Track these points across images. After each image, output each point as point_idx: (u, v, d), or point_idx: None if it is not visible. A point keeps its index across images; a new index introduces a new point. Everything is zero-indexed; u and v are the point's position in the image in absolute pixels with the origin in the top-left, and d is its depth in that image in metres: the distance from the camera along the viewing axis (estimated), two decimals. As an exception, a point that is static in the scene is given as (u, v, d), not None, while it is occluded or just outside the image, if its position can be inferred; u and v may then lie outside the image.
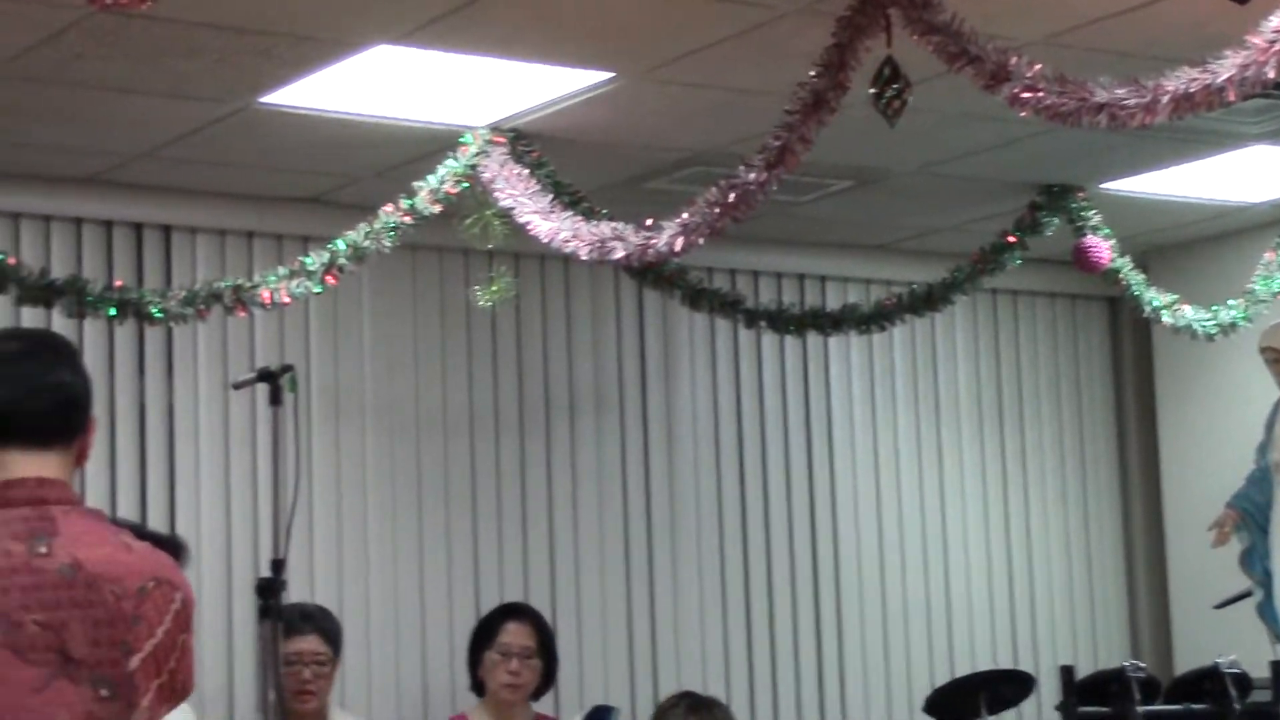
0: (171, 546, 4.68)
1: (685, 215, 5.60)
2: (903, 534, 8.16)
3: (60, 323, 6.36)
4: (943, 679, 7.58)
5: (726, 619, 7.73)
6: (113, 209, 6.79)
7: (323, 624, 6.00)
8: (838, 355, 8.11)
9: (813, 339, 7.76)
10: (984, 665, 7.78)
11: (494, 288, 6.53)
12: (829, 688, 7.90)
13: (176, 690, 3.26)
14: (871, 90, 4.76)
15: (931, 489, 8.26)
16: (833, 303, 7.72)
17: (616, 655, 7.50)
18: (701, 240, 5.63)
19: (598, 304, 7.68)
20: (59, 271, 6.23)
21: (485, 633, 6.30)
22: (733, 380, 7.90)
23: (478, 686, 6.28)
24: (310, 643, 5.89)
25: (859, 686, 7.96)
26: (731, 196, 5.35)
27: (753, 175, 5.25)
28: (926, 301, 7.21)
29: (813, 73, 4.91)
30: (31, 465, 3.17)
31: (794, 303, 7.50)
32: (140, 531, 3.85)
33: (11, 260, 5.93)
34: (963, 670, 7.74)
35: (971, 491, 8.34)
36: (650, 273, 6.72)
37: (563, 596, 7.42)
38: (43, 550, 3.10)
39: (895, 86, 4.71)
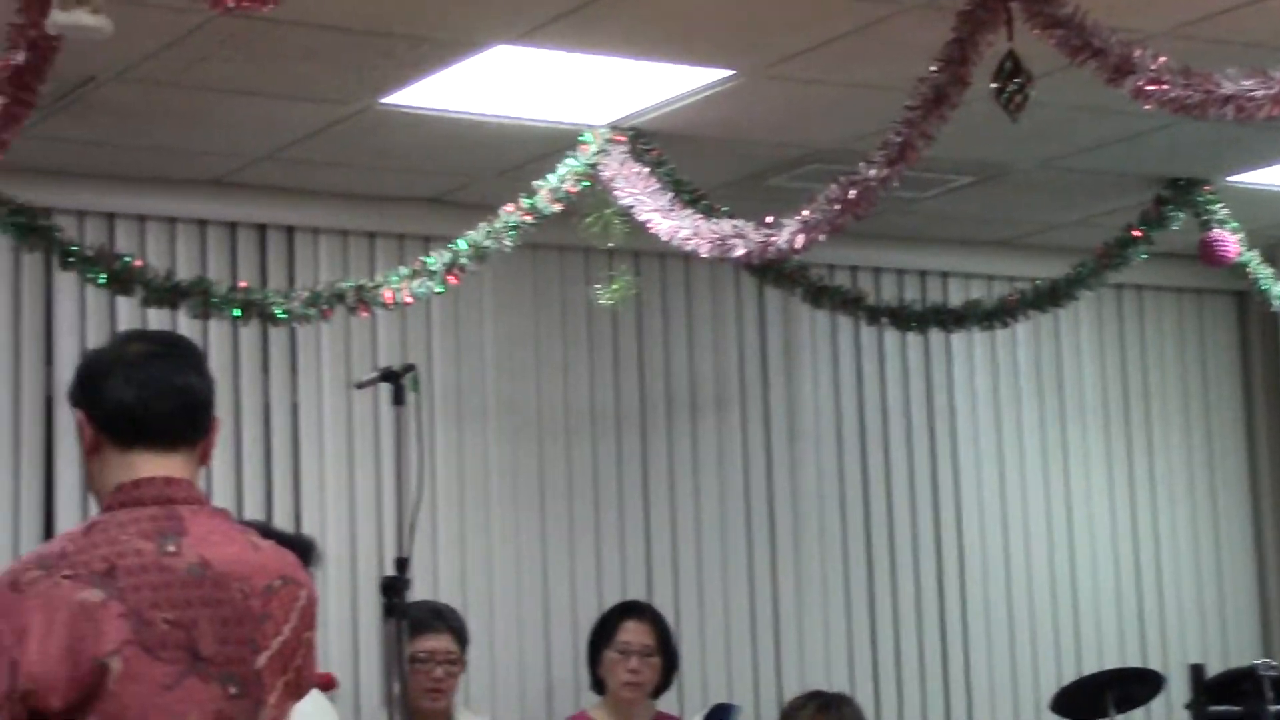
0: (303, 546, 4.73)
1: (806, 212, 5.58)
2: (1028, 531, 8.09)
3: (186, 324, 6.42)
4: (1070, 677, 7.51)
5: (850, 617, 7.69)
6: (237, 211, 6.85)
7: (453, 623, 6.03)
8: (960, 352, 8.05)
9: (935, 336, 7.71)
10: (1111, 663, 7.71)
11: (614, 286, 6.53)
12: (954, 686, 7.84)
13: (301, 688, 3.29)
14: (993, 85, 4.72)
15: (1057, 486, 8.18)
16: (955, 299, 7.66)
17: (739, 653, 7.48)
18: (822, 237, 5.61)
19: (718, 302, 7.66)
20: (184, 273, 6.29)
21: (604, 631, 6.30)
22: (855, 378, 7.87)
23: (598, 685, 6.29)
24: (443, 641, 5.92)
25: (985, 685, 7.90)
26: (852, 193, 5.33)
27: (873, 172, 5.22)
28: (1050, 297, 7.15)
29: (933, 68, 4.87)
30: (158, 466, 3.21)
31: (916, 299, 7.46)
32: (268, 531, 3.88)
33: (138, 263, 6.00)
34: (1090, 668, 7.66)
35: (1097, 488, 8.26)
36: (771, 270, 6.70)
37: (685, 594, 7.41)
38: (171, 549, 3.13)
39: (1017, 81, 4.66)
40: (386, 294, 6.23)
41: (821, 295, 6.91)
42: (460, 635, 6.01)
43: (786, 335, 7.76)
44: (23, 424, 6.52)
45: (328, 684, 5.21)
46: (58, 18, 3.81)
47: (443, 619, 5.98)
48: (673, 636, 6.38)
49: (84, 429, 3.25)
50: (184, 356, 3.29)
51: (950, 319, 7.22)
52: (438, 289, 6.27)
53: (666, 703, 6.57)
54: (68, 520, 6.36)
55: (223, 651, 3.13)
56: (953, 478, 7.95)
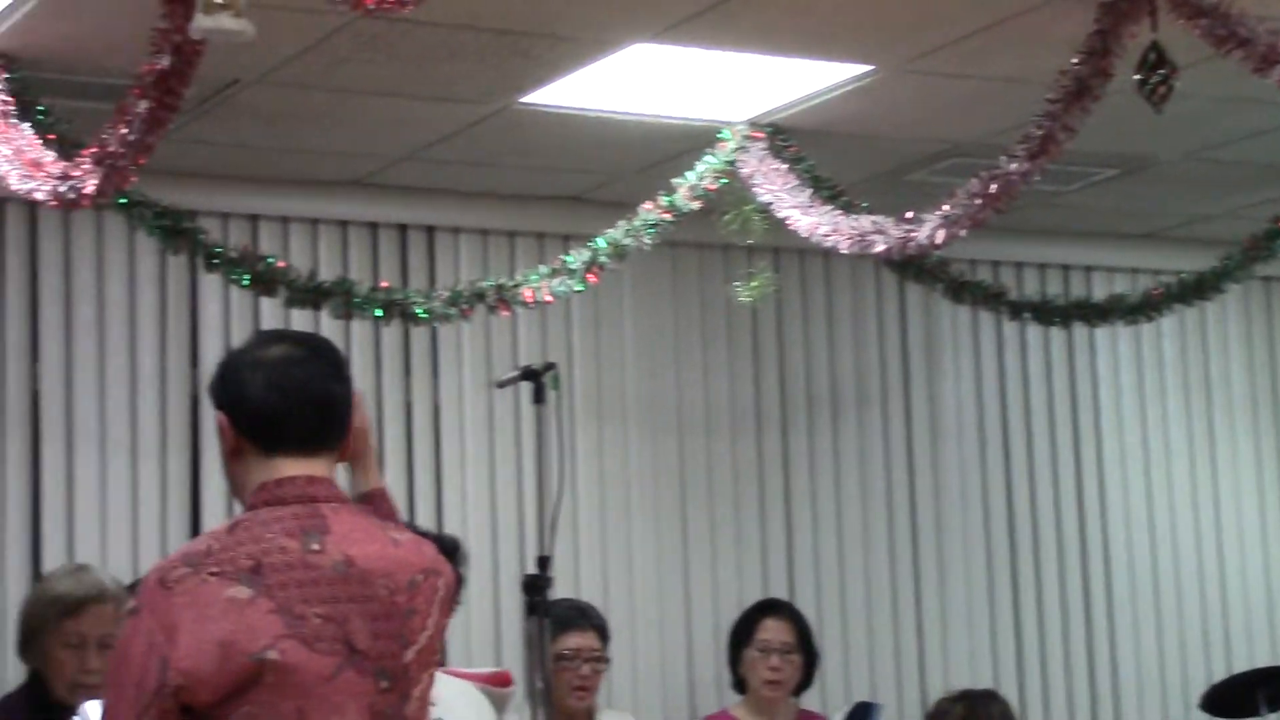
0: (447, 547, 4.75)
1: (946, 207, 5.55)
2: (1174, 527, 7.99)
3: (328, 324, 6.48)
4: (1219, 675, 7.41)
5: (994, 614, 7.63)
6: (378, 211, 6.91)
7: (597, 620, 6.05)
8: (1104, 347, 7.96)
9: (1079, 331, 7.63)
10: (1262, 661, 7.59)
11: (754, 283, 6.51)
12: (1101, 684, 7.75)
13: (434, 674, 3.32)
14: (1136, 76, 4.66)
15: (1204, 481, 8.07)
16: (1099, 293, 7.58)
17: (882, 651, 7.44)
18: (963, 232, 5.56)
19: (859, 298, 7.63)
20: (327, 274, 6.34)
21: (744, 630, 6.29)
22: (997, 374, 7.80)
23: (739, 684, 6.27)
24: (588, 638, 5.93)
25: (1132, 683, 7.80)
26: (993, 188, 5.29)
27: (1015, 165, 5.18)
28: (1196, 290, 7.04)
29: (1075, 60, 4.83)
30: (300, 468, 3.24)
31: (1059, 294, 7.38)
32: (414, 532, 3.90)
33: (281, 263, 6.05)
34: (1240, 666, 7.56)
35: (1246, 483, 8.14)
36: (912, 266, 6.65)
37: (827, 593, 7.38)
38: (315, 547, 3.16)
39: (1161, 72, 4.61)
40: (526, 293, 6.25)
41: (963, 291, 6.85)
42: (603, 633, 6.02)
43: (928, 331, 7.71)
44: (169, 424, 6.60)
45: (504, 682, 5.23)
46: (201, 22, 3.86)
47: (586, 616, 5.99)
48: (813, 634, 6.36)
49: (225, 432, 3.28)
50: (327, 362, 3.31)
51: (1094, 313, 7.14)
52: (577, 287, 6.28)
53: (809, 700, 6.54)
54: (214, 519, 6.44)
55: (375, 646, 3.16)
56: (1097, 474, 7.86)
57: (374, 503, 3.48)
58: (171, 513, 6.56)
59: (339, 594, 3.14)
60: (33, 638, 4.44)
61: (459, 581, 4.85)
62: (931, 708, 5.90)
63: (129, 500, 6.52)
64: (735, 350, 7.42)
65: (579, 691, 5.88)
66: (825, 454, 7.49)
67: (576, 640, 5.89)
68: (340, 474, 3.33)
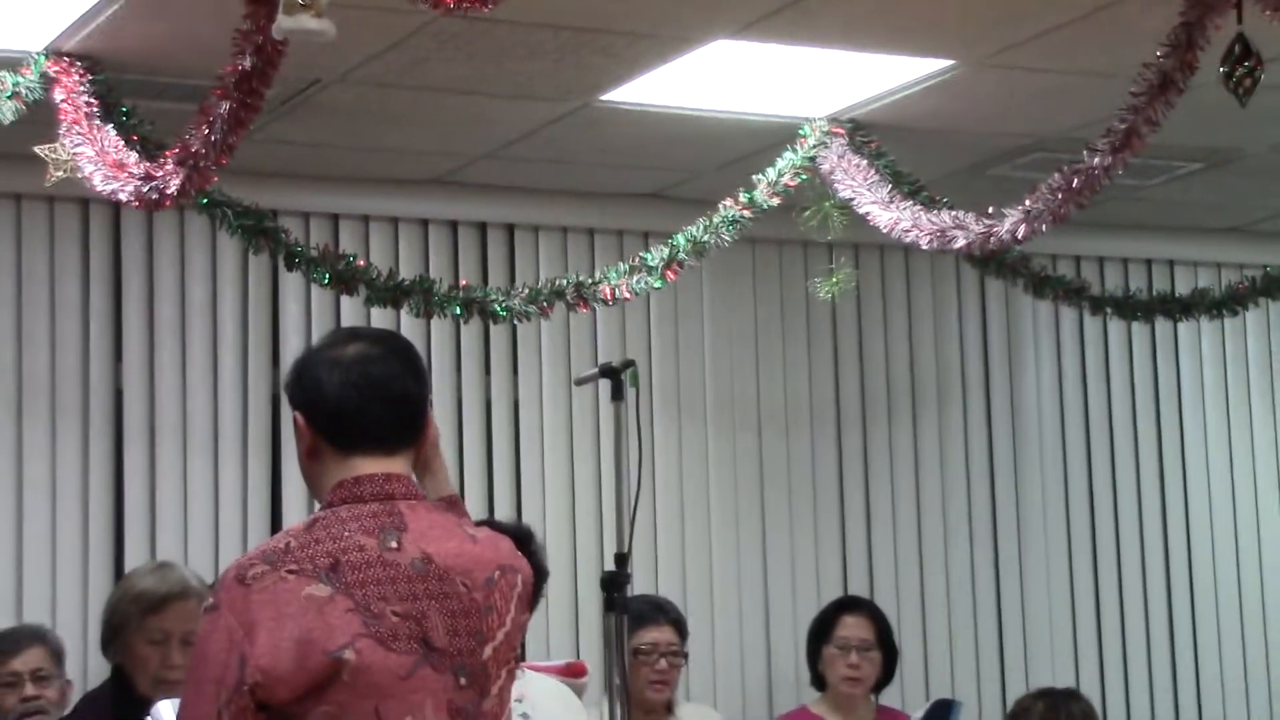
0: (522, 535, 4.76)
1: (1028, 202, 5.50)
2: (1259, 525, 7.91)
3: (408, 322, 6.50)
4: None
5: (1075, 612, 7.58)
6: (458, 209, 6.92)
7: (674, 615, 6.05)
8: (1188, 342, 7.90)
9: (1161, 325, 7.57)
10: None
11: (834, 280, 6.48)
12: (1184, 682, 7.69)
13: (514, 671, 3.32)
14: (1222, 69, 4.60)
15: (1289, 477, 7.99)
16: (1182, 288, 7.51)
17: (962, 649, 7.40)
18: (1045, 227, 5.52)
19: (939, 294, 7.59)
20: (406, 272, 6.35)
21: (823, 627, 6.27)
22: (1078, 369, 7.75)
23: (818, 681, 6.26)
24: (665, 633, 5.93)
25: (1215, 682, 7.73)
26: (1075, 182, 5.24)
27: (1097, 160, 5.13)
28: (1281, 284, 6.97)
29: (1159, 53, 4.78)
30: (377, 467, 3.25)
31: (1141, 288, 7.31)
32: (493, 526, 3.90)
33: (361, 262, 6.07)
34: (1326, 667, 7.49)
35: (1331, 480, 8.05)
36: (993, 261, 6.61)
37: (906, 589, 7.35)
38: (393, 545, 3.17)
39: (1247, 64, 4.55)
40: (605, 290, 6.24)
41: (1044, 286, 6.80)
42: (681, 627, 6.02)
43: (1009, 327, 7.66)
44: (250, 423, 6.64)
45: (579, 673, 5.24)
46: (283, 23, 3.86)
47: (664, 611, 5.99)
48: (892, 631, 6.33)
49: (303, 431, 3.29)
50: (403, 361, 3.32)
51: (1177, 308, 7.07)
52: (656, 284, 6.27)
53: (888, 697, 6.52)
54: (294, 517, 6.46)
55: (454, 643, 3.17)
56: (1180, 471, 7.80)
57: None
58: (252, 511, 6.60)
59: (417, 591, 3.15)
60: (116, 634, 4.47)
61: (539, 575, 4.87)
62: (1013, 706, 5.86)
63: (210, 498, 6.56)
64: (815, 346, 7.40)
65: (656, 685, 5.88)
66: (905, 450, 7.46)
67: (654, 635, 5.88)
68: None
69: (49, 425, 6.43)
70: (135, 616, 4.44)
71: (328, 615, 3.07)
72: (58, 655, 5.57)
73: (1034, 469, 7.60)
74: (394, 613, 3.12)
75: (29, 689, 5.42)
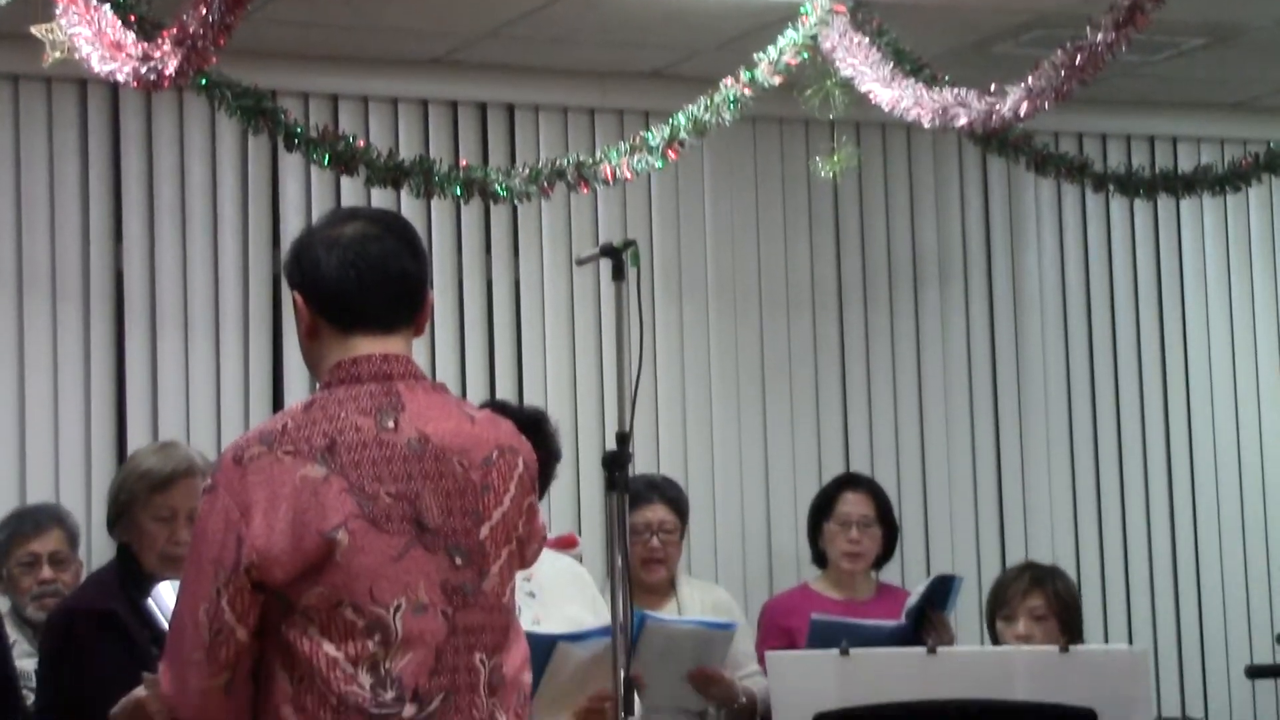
0: (533, 420, 4.77)
1: (1030, 79, 5.47)
2: (1259, 400, 7.91)
3: (408, 203, 6.50)
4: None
5: (1075, 489, 7.60)
6: (458, 89, 6.89)
7: (669, 493, 6.04)
8: (1190, 219, 7.87)
9: (1164, 202, 7.54)
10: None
11: (836, 158, 6.46)
12: (1183, 560, 7.72)
13: (525, 557, 3.32)
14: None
15: (1291, 354, 7.98)
16: (1185, 164, 7.48)
17: (962, 526, 7.44)
18: (1047, 105, 5.49)
19: (941, 172, 7.57)
20: (406, 152, 6.33)
21: (824, 504, 6.28)
22: (1080, 247, 7.73)
23: (819, 558, 6.28)
24: (658, 512, 5.94)
25: (1214, 558, 7.77)
26: (1078, 59, 5.21)
27: (1100, 36, 5.10)
28: (1285, 161, 6.94)
29: (1162, -74, 4.74)
30: (376, 346, 3.25)
31: (1144, 165, 7.29)
32: (506, 410, 3.92)
33: (361, 142, 6.04)
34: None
35: (1334, 356, 8.05)
36: (995, 139, 6.58)
37: (907, 468, 7.38)
38: (390, 425, 3.17)
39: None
40: (606, 170, 6.21)
41: (1047, 163, 6.77)
42: (677, 505, 6.02)
43: (1011, 205, 7.64)
44: (251, 303, 6.65)
45: (569, 544, 5.26)
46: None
47: (657, 489, 6.00)
48: (892, 508, 6.35)
49: (301, 311, 3.29)
50: (400, 239, 3.31)
51: (1180, 185, 7.04)
52: (657, 164, 6.24)
53: (889, 574, 6.55)
54: (295, 396, 6.49)
55: (447, 523, 3.18)
56: (1182, 348, 7.80)
57: None
58: (254, 391, 6.62)
59: (412, 471, 3.16)
60: (123, 512, 4.50)
61: (553, 458, 4.89)
62: (996, 579, 5.88)
63: (211, 379, 6.58)
64: (816, 226, 7.39)
65: (650, 565, 5.89)
66: (907, 329, 7.47)
67: (647, 514, 5.89)
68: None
69: (50, 308, 6.44)
70: (141, 494, 4.46)
71: (322, 496, 3.09)
72: (74, 538, 5.61)
73: (1035, 347, 7.60)
74: (388, 493, 3.13)
75: (46, 572, 5.47)
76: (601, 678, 4.44)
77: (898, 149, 7.49)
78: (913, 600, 5.75)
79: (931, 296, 7.51)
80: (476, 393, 6.68)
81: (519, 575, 3.97)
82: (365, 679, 3.09)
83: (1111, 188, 6.97)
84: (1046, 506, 7.54)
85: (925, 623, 5.74)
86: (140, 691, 4.12)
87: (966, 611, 6.51)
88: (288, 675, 3.12)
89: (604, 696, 4.45)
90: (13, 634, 4.78)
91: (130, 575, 4.44)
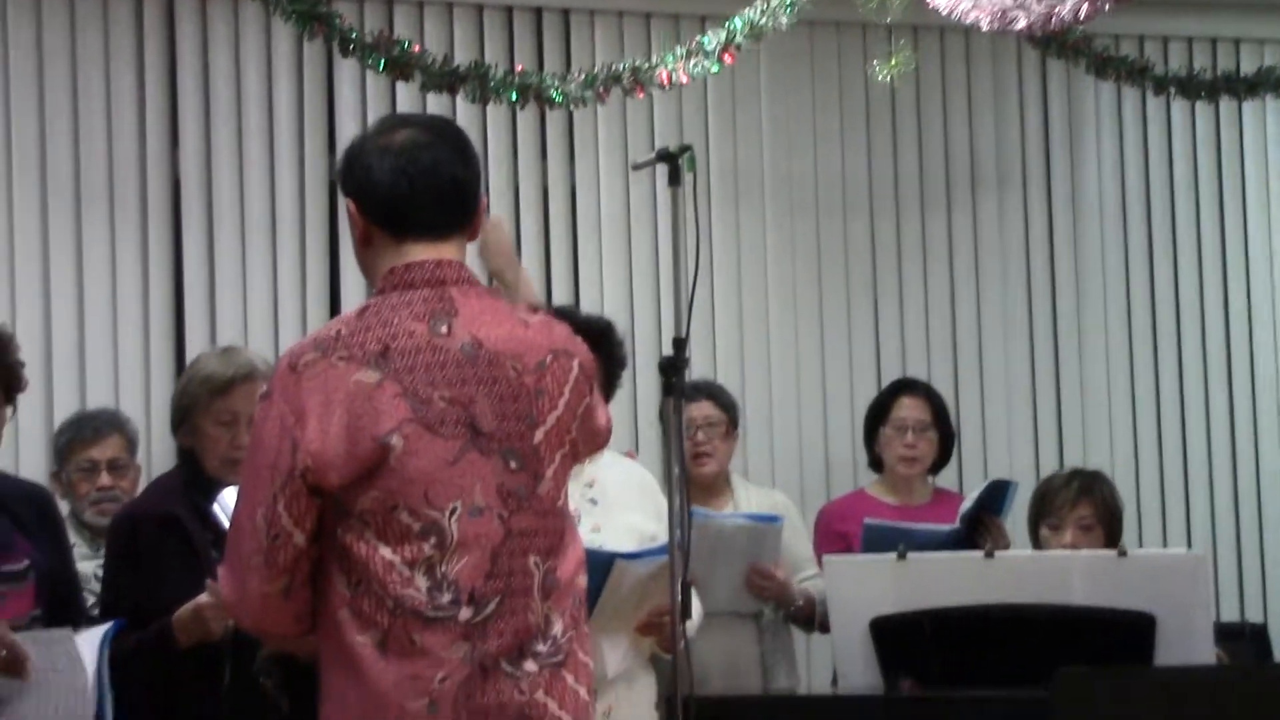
0: (600, 328, 4.77)
1: (1090, -19, 5.42)
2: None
3: (464, 109, 6.48)
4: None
5: (1135, 395, 7.56)
6: (548, -7, 6.88)
7: (713, 391, 6.04)
8: (1252, 122, 7.78)
9: (1226, 105, 7.46)
10: None
11: (893, 62, 6.41)
12: (1243, 465, 7.67)
13: (578, 453, 3.33)
14: None
15: (1356, 258, 7.91)
16: (1247, 66, 7.40)
17: (1020, 431, 7.42)
18: (1107, 7, 5.44)
19: (999, 76, 7.50)
20: (462, 58, 6.32)
21: (880, 409, 6.27)
22: (1140, 151, 7.65)
23: (875, 463, 6.28)
24: (703, 409, 5.93)
25: (1275, 464, 7.71)
26: (1139, -41, 5.15)
27: (1160, -65, 5.04)
28: (1350, 62, 6.87)
29: None
30: (429, 252, 3.26)
31: (1205, 68, 7.22)
32: (572, 317, 3.91)
33: (416, 48, 6.04)
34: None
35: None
36: (1054, 41, 6.53)
37: (965, 372, 7.36)
38: (443, 330, 3.18)
39: None
40: (662, 74, 6.20)
41: (1106, 66, 6.72)
42: (720, 401, 6.01)
43: (1070, 108, 7.57)
44: (308, 209, 6.66)
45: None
46: None
47: (701, 389, 6.00)
48: (949, 413, 6.34)
49: (355, 218, 3.30)
50: (452, 146, 3.31)
51: (1242, 87, 6.99)
52: (713, 69, 6.22)
53: (945, 479, 6.55)
54: (352, 301, 6.50)
55: (501, 428, 3.19)
56: (1243, 253, 7.72)
57: None
58: (311, 296, 6.64)
59: (466, 376, 3.17)
60: (185, 416, 4.53)
61: (618, 365, 4.89)
62: (1041, 484, 5.86)
63: (269, 285, 6.61)
64: (873, 130, 7.34)
65: (698, 459, 5.89)
66: (965, 234, 7.43)
67: (691, 411, 5.88)
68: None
69: (108, 216, 6.47)
70: (203, 398, 4.49)
71: (376, 401, 3.11)
72: (132, 444, 5.65)
73: (1094, 252, 7.55)
74: (441, 398, 3.15)
75: (104, 478, 5.51)
76: (660, 593, 4.45)
77: (956, 53, 7.42)
78: (967, 504, 5.74)
79: (990, 201, 7.46)
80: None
81: (581, 480, 3.98)
82: (422, 582, 3.11)
83: (1172, 90, 6.93)
84: (1105, 411, 7.51)
85: (980, 527, 5.74)
86: (203, 598, 4.17)
87: (1022, 516, 6.49)
88: (345, 579, 3.14)
89: (662, 610, 4.47)
90: (72, 537, 4.81)
91: (193, 479, 4.47)
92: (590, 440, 3.39)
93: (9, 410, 4.27)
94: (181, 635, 4.21)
